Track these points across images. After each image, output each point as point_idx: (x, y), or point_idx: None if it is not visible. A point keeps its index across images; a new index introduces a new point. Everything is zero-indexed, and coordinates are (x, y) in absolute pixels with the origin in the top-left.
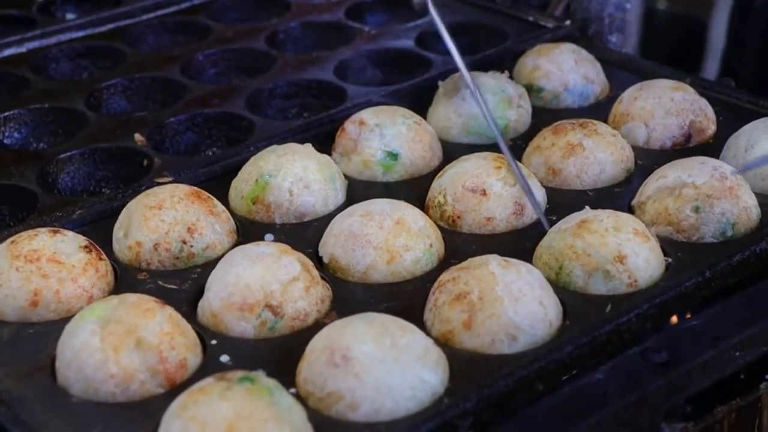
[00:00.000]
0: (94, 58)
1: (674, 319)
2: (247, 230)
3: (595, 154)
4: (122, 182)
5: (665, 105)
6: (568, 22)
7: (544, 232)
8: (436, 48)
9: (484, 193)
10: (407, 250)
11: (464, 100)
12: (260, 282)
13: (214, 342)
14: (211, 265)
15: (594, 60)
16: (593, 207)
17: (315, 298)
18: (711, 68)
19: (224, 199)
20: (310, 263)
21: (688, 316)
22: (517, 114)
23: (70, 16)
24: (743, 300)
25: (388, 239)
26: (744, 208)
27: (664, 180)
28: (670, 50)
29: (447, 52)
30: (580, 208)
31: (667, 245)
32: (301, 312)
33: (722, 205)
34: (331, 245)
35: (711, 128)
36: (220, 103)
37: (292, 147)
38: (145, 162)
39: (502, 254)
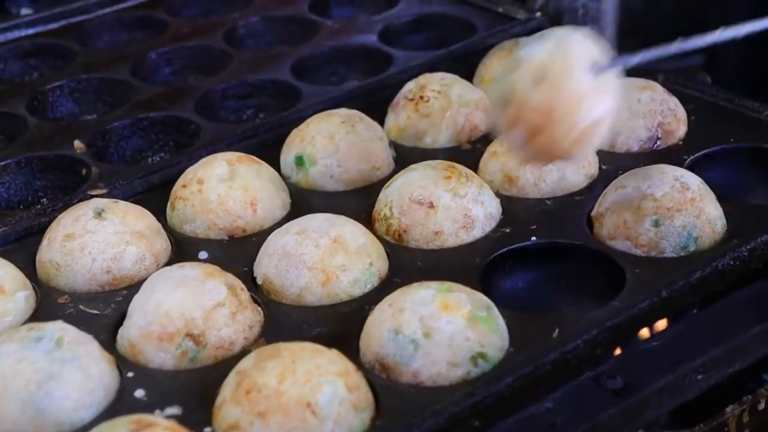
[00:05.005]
0: (44, 57)
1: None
2: (182, 247)
3: None
4: (62, 192)
5: (631, 106)
6: (539, 14)
7: (495, 247)
8: (399, 42)
9: (431, 205)
10: (344, 270)
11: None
12: (181, 309)
13: (130, 374)
14: (136, 288)
15: None
16: (551, 217)
17: (242, 325)
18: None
19: (162, 213)
20: (240, 285)
21: (648, 336)
22: None
23: (25, 11)
24: (706, 318)
25: (324, 259)
26: (707, 221)
27: (623, 191)
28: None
29: (410, 47)
30: (537, 218)
31: (624, 261)
32: (225, 340)
33: (683, 218)
34: (265, 265)
35: (681, 129)
36: (167, 106)
37: (228, 156)
38: (84, 171)
39: (449, 271)
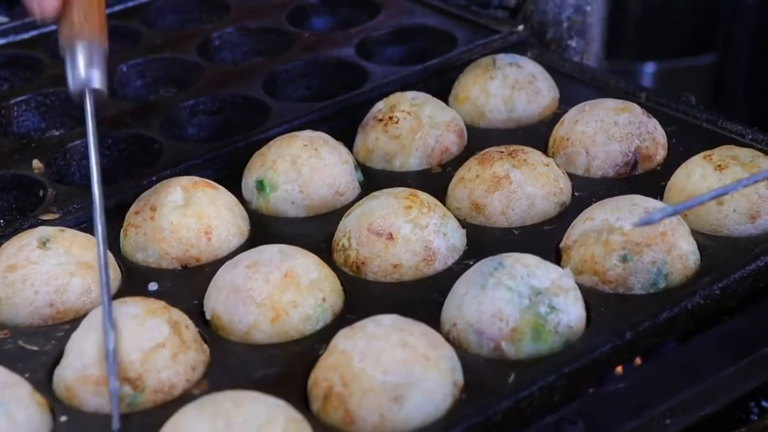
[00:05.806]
0: (14, 69)
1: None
2: (132, 277)
3: (523, 187)
4: (20, 214)
5: (608, 129)
6: (521, 27)
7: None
8: (377, 55)
9: (390, 236)
10: (295, 306)
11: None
12: (118, 351)
13: (63, 419)
14: (80, 322)
15: (533, 78)
16: (518, 249)
17: (184, 366)
18: None
19: (116, 240)
20: (186, 323)
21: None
22: None
23: (1, 19)
24: (676, 358)
25: (274, 295)
26: (678, 256)
27: (591, 223)
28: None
29: (389, 60)
30: (502, 250)
31: (591, 297)
32: (165, 383)
33: (653, 254)
34: (213, 300)
35: (660, 153)
36: (133, 122)
37: (183, 182)
38: (42, 192)
39: (408, 306)
